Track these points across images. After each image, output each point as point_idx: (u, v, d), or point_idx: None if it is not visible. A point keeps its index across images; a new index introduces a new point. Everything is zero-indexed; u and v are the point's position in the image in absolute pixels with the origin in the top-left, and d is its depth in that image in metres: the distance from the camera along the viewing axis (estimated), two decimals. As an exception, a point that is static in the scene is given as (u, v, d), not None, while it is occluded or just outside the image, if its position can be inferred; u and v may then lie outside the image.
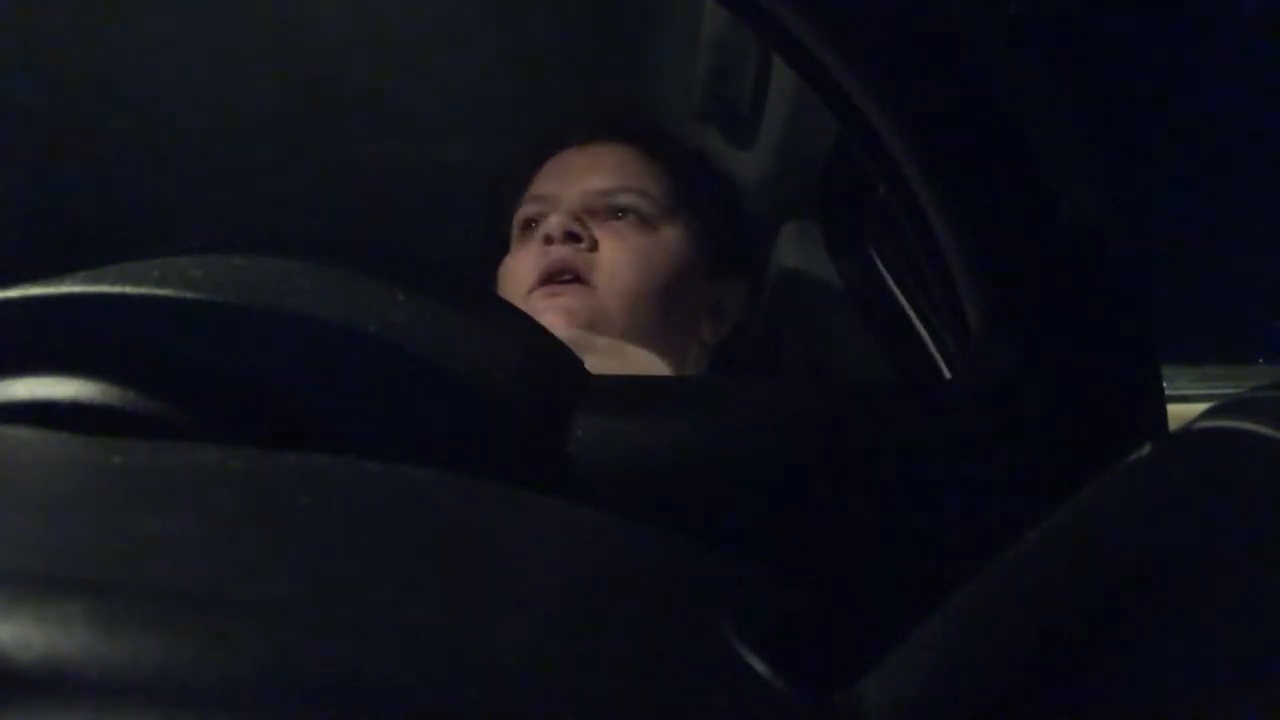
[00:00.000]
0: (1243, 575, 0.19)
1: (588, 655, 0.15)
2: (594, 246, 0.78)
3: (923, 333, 0.73)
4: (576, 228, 0.78)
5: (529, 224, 0.83)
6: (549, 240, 0.78)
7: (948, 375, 0.70)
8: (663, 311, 0.78)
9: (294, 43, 0.84)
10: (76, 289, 0.25)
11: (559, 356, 0.34)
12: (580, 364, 0.34)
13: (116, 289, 0.25)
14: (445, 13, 0.84)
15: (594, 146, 0.85)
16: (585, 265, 0.77)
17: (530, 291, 0.77)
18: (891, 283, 0.77)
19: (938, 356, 0.71)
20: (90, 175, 0.87)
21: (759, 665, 0.16)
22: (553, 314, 0.75)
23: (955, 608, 0.18)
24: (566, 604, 0.17)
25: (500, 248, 0.87)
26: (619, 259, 0.78)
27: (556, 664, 0.14)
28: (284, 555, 0.15)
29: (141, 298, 0.25)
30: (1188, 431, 0.22)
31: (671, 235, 0.81)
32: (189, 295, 0.25)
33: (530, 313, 0.72)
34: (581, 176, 0.82)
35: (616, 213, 0.80)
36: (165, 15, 0.81)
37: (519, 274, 0.79)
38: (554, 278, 0.77)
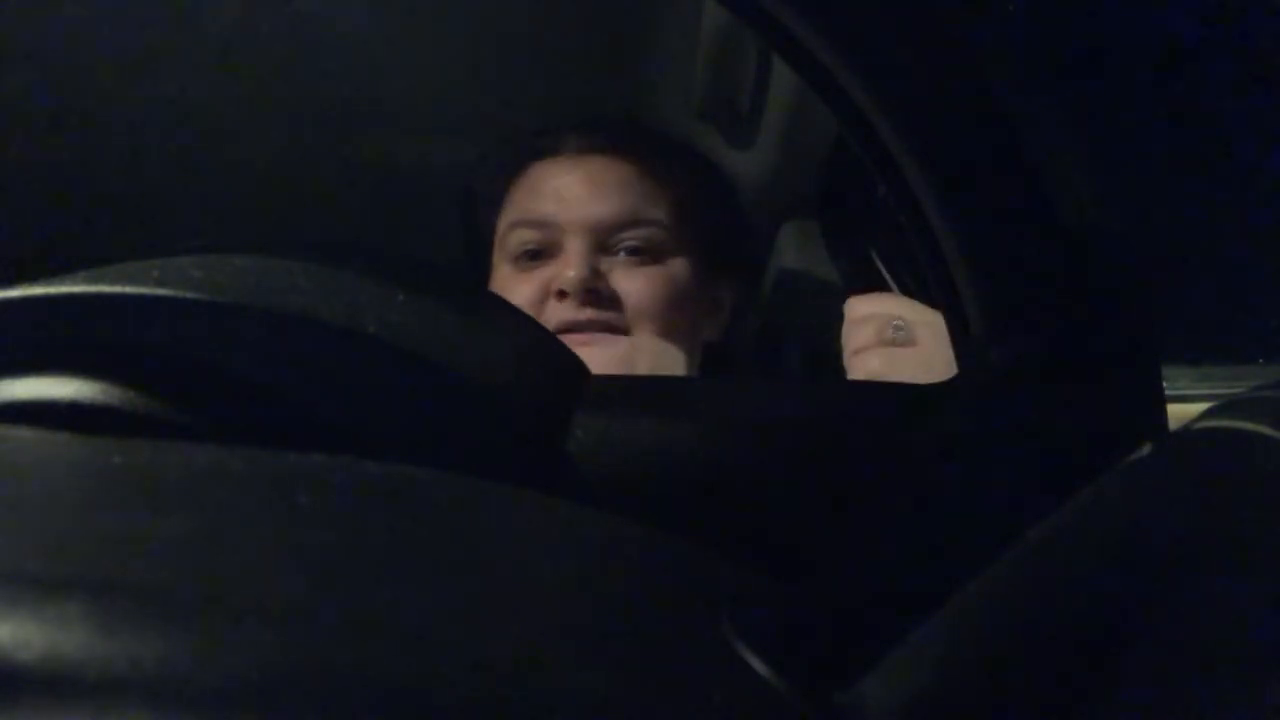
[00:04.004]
0: (1243, 574, 0.19)
1: (587, 655, 0.15)
2: (614, 300, 0.76)
3: (923, 333, 0.73)
4: (596, 283, 0.75)
5: (528, 254, 0.78)
6: (563, 295, 0.75)
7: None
8: (677, 328, 0.78)
9: (293, 42, 0.84)
10: (76, 289, 0.25)
11: (559, 356, 0.34)
12: (581, 364, 0.34)
13: (116, 289, 0.25)
14: (445, 12, 0.84)
15: (590, 160, 0.81)
16: (608, 319, 0.76)
17: None
18: (891, 283, 0.76)
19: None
20: (90, 175, 0.87)
21: (759, 665, 0.16)
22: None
23: (956, 608, 0.18)
24: (566, 604, 0.17)
25: (474, 252, 0.84)
26: (641, 302, 0.76)
27: (556, 664, 0.14)
28: (284, 555, 0.15)
29: (141, 298, 0.25)
30: (1188, 431, 0.22)
31: (680, 255, 0.80)
32: (189, 295, 0.25)
33: None
34: (583, 203, 0.78)
35: (629, 252, 0.78)
36: (164, 15, 0.81)
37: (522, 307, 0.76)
38: (575, 330, 0.75)
